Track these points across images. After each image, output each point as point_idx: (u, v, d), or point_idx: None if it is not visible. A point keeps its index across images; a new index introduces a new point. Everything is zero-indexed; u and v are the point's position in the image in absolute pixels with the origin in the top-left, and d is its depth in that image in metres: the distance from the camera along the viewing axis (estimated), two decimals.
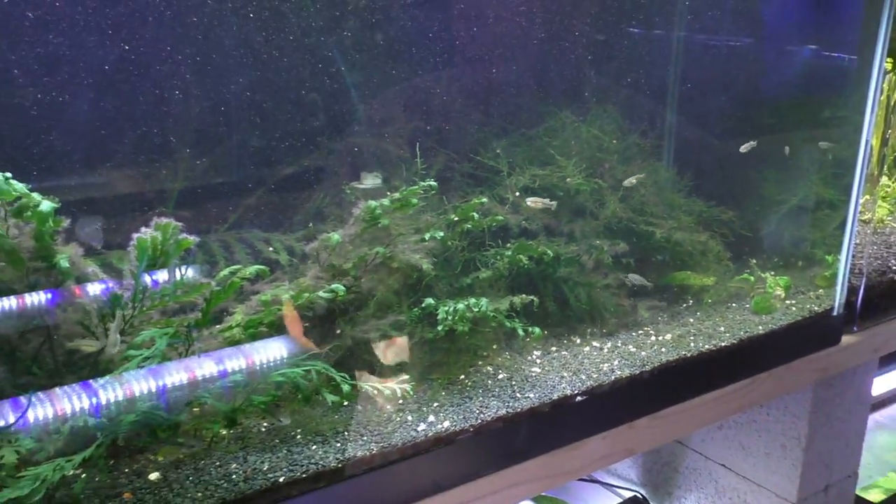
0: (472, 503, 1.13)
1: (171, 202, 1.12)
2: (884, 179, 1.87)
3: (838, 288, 1.55)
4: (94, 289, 0.91)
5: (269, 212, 1.22)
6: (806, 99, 1.83)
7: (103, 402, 0.90)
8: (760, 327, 1.45)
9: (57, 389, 0.90)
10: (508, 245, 1.27)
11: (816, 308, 1.54)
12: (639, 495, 2.06)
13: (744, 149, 1.31)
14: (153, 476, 0.97)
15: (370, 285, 1.16)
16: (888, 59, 1.52)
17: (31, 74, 0.98)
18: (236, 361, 0.98)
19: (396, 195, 1.06)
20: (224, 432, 1.04)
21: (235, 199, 1.19)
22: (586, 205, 1.38)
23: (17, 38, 0.96)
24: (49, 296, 0.93)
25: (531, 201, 1.20)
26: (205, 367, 0.96)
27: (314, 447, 1.04)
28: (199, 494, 0.94)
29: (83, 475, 0.93)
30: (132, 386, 0.89)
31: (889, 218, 1.92)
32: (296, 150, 1.26)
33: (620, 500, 2.06)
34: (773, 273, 1.55)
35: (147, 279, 0.94)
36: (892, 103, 1.81)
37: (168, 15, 1.06)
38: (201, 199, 1.13)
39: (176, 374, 0.93)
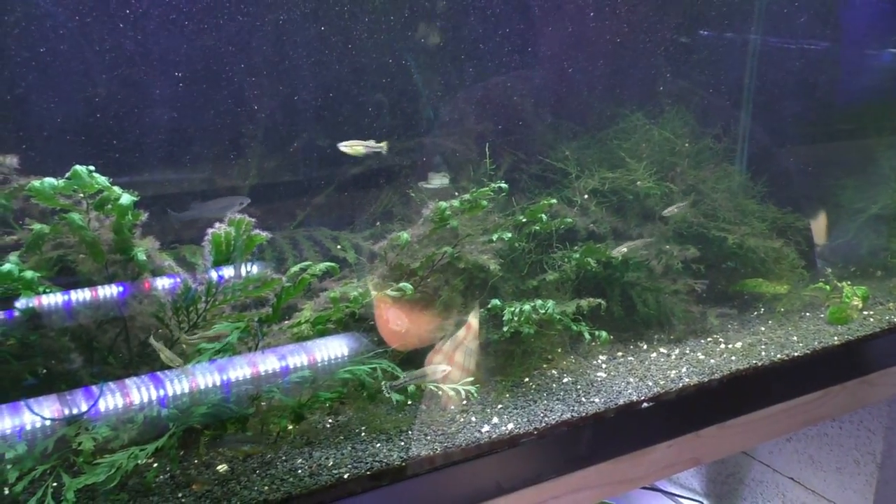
0: None
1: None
2: None
3: None
4: (169, 282, 0.93)
5: (338, 210, 1.23)
6: (886, 103, 1.77)
7: (175, 393, 0.91)
8: (836, 338, 1.41)
9: (130, 380, 0.93)
10: (576, 248, 1.26)
11: (895, 319, 1.49)
12: None
13: (667, 212, 1.27)
14: (221, 468, 0.99)
15: (436, 285, 1.16)
16: None
17: (122, 77, 1.01)
18: (302, 357, 0.99)
19: (466, 196, 1.06)
20: (291, 427, 1.05)
21: (305, 197, 1.20)
22: (656, 209, 1.35)
23: (102, 41, 0.99)
24: (121, 289, 0.95)
25: (346, 145, 1.11)
26: (272, 362, 0.98)
27: (378, 445, 1.05)
28: (266, 488, 0.96)
29: (154, 465, 0.95)
30: (204, 379, 0.91)
31: None
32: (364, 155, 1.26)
33: None
34: (849, 282, 1.50)
35: (214, 274, 0.96)
36: None
37: (246, 21, 1.08)
38: (272, 196, 1.14)
39: (246, 371, 0.95)
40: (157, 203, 1.06)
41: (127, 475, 0.89)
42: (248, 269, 0.98)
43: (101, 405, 0.90)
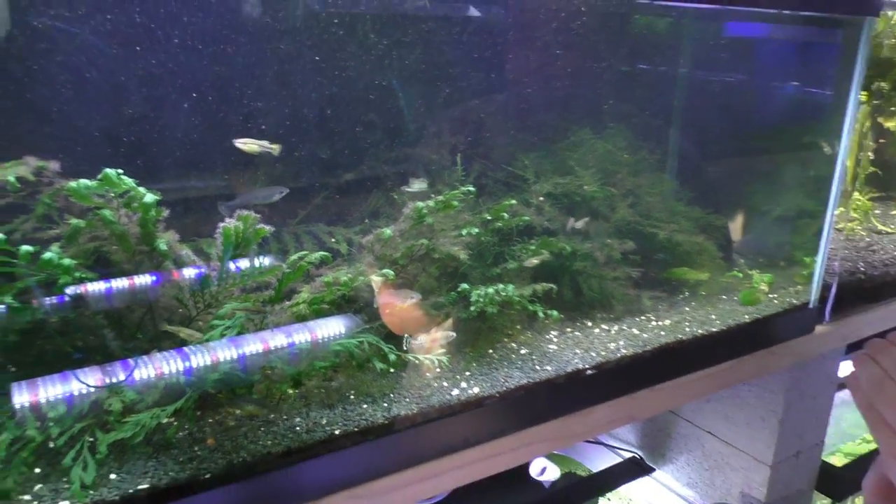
0: (497, 457, 1.10)
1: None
2: (856, 194, 1.79)
3: (814, 285, 1.48)
4: (188, 270, 0.90)
5: (334, 210, 1.19)
6: (788, 126, 1.76)
7: (193, 364, 0.88)
8: (746, 316, 1.39)
9: (157, 354, 0.89)
10: (532, 241, 1.23)
11: (795, 301, 1.48)
12: (637, 456, 2.01)
13: (577, 224, 1.24)
14: (231, 424, 0.96)
15: (415, 272, 1.13)
16: (862, 93, 1.44)
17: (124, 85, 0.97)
18: (303, 335, 0.97)
19: (440, 198, 1.03)
20: (290, 392, 1.02)
21: (306, 198, 1.16)
22: (600, 209, 1.33)
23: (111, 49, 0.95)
24: (153, 278, 0.92)
25: (241, 142, 1.02)
26: (276, 337, 0.95)
27: (365, 406, 1.02)
28: (269, 442, 0.93)
29: (174, 423, 0.92)
30: (216, 351, 0.88)
31: (859, 228, 1.84)
32: (356, 159, 1.23)
33: (621, 460, 2.01)
34: (758, 271, 1.49)
35: (231, 266, 0.93)
36: (864, 130, 1.73)
37: (247, 38, 1.04)
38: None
39: (253, 344, 0.92)
40: (180, 205, 1.02)
41: (151, 432, 0.86)
42: (259, 260, 0.95)
43: (136, 375, 0.87)
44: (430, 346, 1.06)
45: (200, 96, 1.05)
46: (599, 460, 2.03)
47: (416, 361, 1.03)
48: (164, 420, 0.85)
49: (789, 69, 1.77)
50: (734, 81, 1.73)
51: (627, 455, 2.00)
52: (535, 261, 1.19)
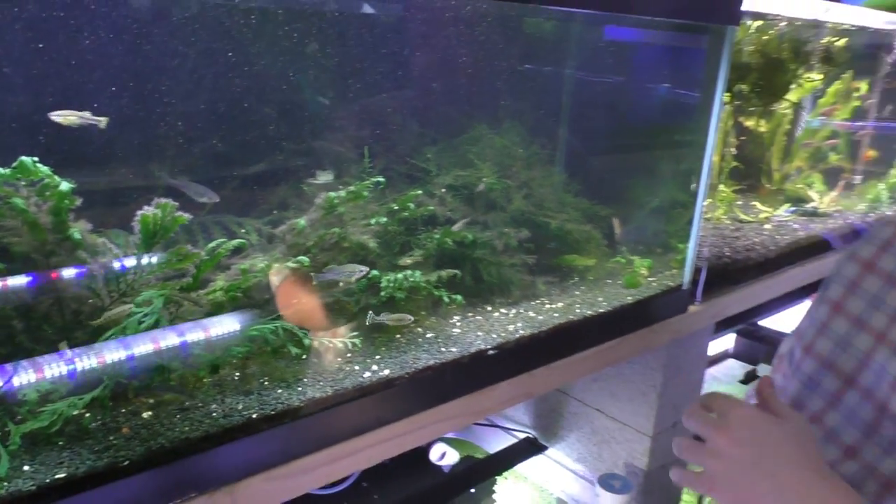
0: (408, 435, 1.16)
1: (159, 192, 1.10)
2: (721, 187, 1.97)
3: (687, 269, 1.63)
4: (102, 258, 0.90)
5: (242, 202, 1.21)
6: (663, 125, 1.92)
7: (110, 354, 0.89)
8: (629, 298, 1.52)
9: (67, 351, 0.89)
10: (436, 231, 1.30)
11: (671, 284, 1.62)
12: (531, 436, 2.12)
13: (456, 227, 1.32)
14: (146, 415, 0.96)
15: (326, 260, 1.17)
16: (726, 94, 1.61)
17: None
18: (218, 322, 0.99)
19: (351, 188, 1.08)
20: (206, 380, 1.04)
21: (214, 190, 1.17)
22: (497, 200, 1.42)
23: None
24: (61, 269, 0.91)
25: (59, 114, 0.91)
26: (190, 328, 0.96)
27: (280, 391, 1.05)
28: (187, 428, 0.94)
29: (87, 415, 0.92)
30: (135, 343, 0.89)
31: (724, 217, 2.04)
32: (263, 153, 1.26)
33: (516, 441, 2.12)
34: (639, 257, 1.62)
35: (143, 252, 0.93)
36: (727, 129, 1.92)
37: (153, 30, 1.05)
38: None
39: (170, 337, 0.93)
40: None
41: (66, 422, 0.86)
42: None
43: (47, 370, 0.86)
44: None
45: (104, 88, 1.04)
46: (496, 442, 2.13)
47: (330, 345, 1.07)
48: (80, 410, 0.85)
49: (663, 72, 1.94)
50: (614, 82, 1.88)
51: (522, 436, 2.12)
52: (408, 260, 1.25)
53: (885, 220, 1.06)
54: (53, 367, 0.85)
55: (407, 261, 1.19)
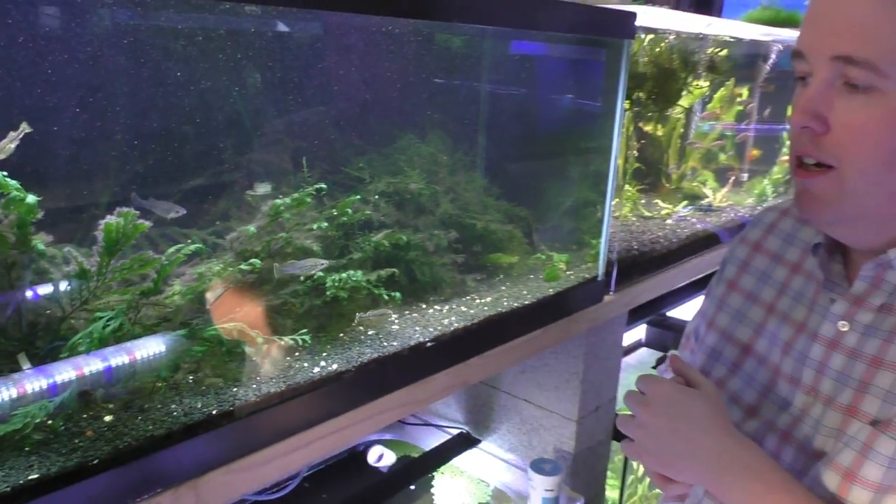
0: (357, 425, 1.23)
1: (102, 208, 1.14)
2: (626, 187, 2.15)
3: (600, 262, 1.78)
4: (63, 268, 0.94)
5: (187, 214, 1.26)
6: (573, 132, 2.07)
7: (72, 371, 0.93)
8: (550, 290, 1.65)
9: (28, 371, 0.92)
10: (372, 234, 1.39)
11: (587, 276, 1.76)
12: (464, 431, 2.23)
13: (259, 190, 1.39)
14: (108, 418, 1.01)
15: (271, 265, 1.24)
16: (626, 102, 1.77)
17: None
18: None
19: (295, 195, 1.16)
20: (160, 385, 1.08)
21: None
22: (426, 204, 1.52)
23: None
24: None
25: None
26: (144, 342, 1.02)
27: (235, 389, 1.11)
28: (150, 427, 0.99)
29: (50, 421, 0.95)
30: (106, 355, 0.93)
31: (630, 214, 2.22)
32: (203, 168, 1.31)
33: (450, 436, 2.22)
34: (557, 253, 1.76)
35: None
36: (629, 133, 2.09)
37: (86, 47, 1.10)
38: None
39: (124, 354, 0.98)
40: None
41: (34, 428, 0.90)
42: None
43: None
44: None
45: (45, 105, 1.08)
46: (431, 440, 2.22)
47: (281, 343, 1.14)
48: (49, 412, 0.89)
49: (570, 83, 2.10)
50: (526, 93, 2.02)
51: (455, 432, 2.22)
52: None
53: (769, 207, 1.23)
54: (27, 383, 0.89)
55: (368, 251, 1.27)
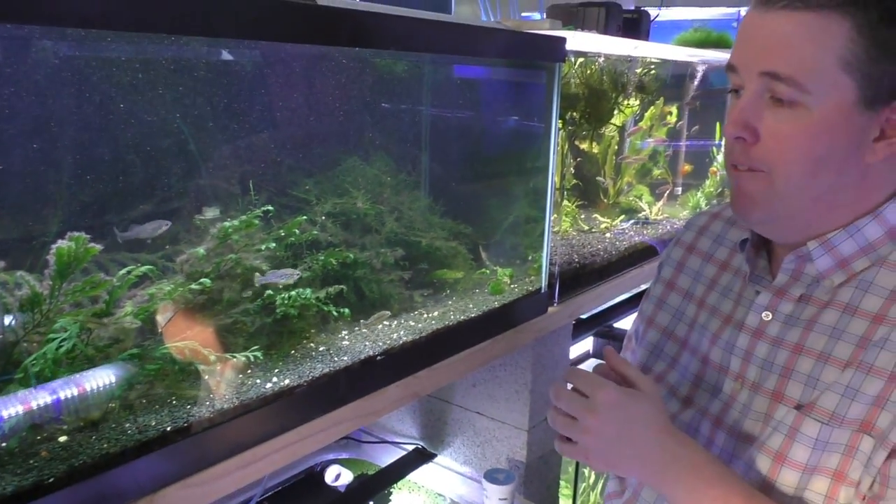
0: (310, 437, 1.27)
1: (50, 236, 1.16)
2: (565, 203, 2.24)
3: (543, 275, 1.86)
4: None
5: (137, 239, 1.28)
6: (513, 151, 2.16)
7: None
8: (496, 303, 1.71)
9: None
10: (320, 254, 1.43)
11: (531, 289, 1.84)
12: (419, 446, 2.26)
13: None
14: (62, 439, 1.03)
15: (220, 287, 1.27)
16: (560, 121, 1.87)
17: None
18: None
19: (244, 217, 1.20)
20: (113, 405, 1.11)
21: (108, 229, 1.25)
22: (372, 223, 1.58)
23: None
24: None
25: None
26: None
27: (189, 406, 1.14)
28: (105, 445, 1.02)
29: (3, 444, 0.97)
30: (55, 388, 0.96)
31: (570, 229, 2.31)
32: (151, 194, 1.34)
33: (406, 452, 2.25)
34: (500, 267, 1.83)
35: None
36: (564, 151, 2.19)
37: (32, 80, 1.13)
38: (82, 230, 1.18)
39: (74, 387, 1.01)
40: None
41: None
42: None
43: None
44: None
45: None
46: (387, 457, 2.25)
47: (233, 360, 1.17)
48: (6, 430, 0.91)
49: (509, 104, 2.19)
50: (467, 115, 2.10)
51: (411, 447, 2.25)
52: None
53: (701, 212, 1.33)
54: None
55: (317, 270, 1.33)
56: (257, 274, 1.23)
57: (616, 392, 0.98)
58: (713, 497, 0.95)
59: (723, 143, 2.91)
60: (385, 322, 1.53)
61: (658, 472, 0.98)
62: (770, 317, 1.06)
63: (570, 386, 1.03)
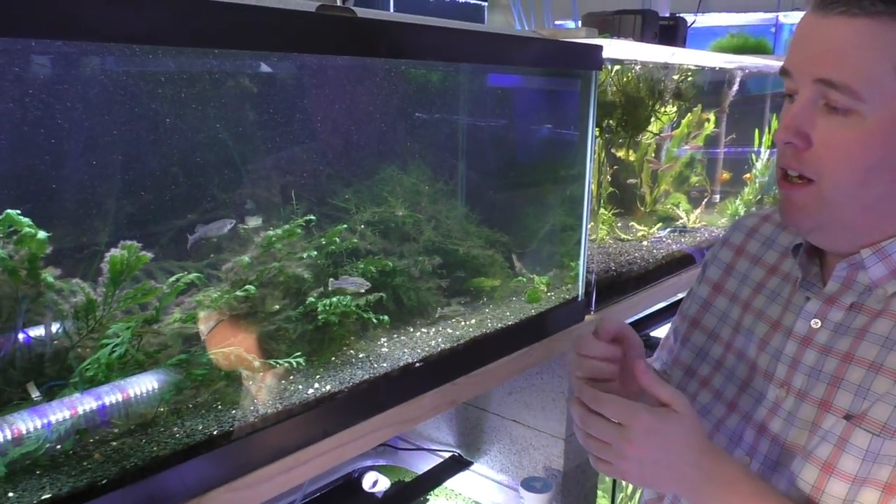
0: (350, 443, 1.29)
1: (102, 245, 1.20)
2: (601, 211, 2.23)
3: (580, 283, 1.86)
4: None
5: (181, 248, 1.32)
6: (549, 159, 2.17)
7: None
8: (533, 311, 1.72)
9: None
10: (360, 261, 1.46)
11: (567, 297, 1.84)
12: (456, 454, 2.27)
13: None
14: (114, 442, 1.06)
15: (263, 296, 1.30)
16: (596, 129, 1.87)
17: None
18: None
19: (287, 226, 1.23)
20: (162, 409, 1.14)
21: (157, 239, 1.29)
22: (410, 232, 1.59)
23: None
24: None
25: None
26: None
27: (234, 411, 1.17)
28: (155, 448, 1.05)
29: (59, 446, 1.01)
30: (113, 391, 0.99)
31: (607, 237, 2.30)
32: (196, 204, 1.38)
33: (442, 459, 2.26)
34: (537, 275, 1.83)
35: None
36: (601, 159, 2.19)
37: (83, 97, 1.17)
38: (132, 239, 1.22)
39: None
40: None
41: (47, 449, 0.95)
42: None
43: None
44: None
45: (46, 152, 1.15)
46: (424, 464, 2.26)
47: (277, 367, 1.20)
48: (62, 433, 0.94)
49: (545, 113, 2.19)
50: (503, 124, 2.12)
51: (447, 455, 2.26)
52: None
53: (750, 213, 1.32)
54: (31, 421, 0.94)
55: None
56: (331, 279, 1.29)
57: (651, 418, 0.96)
58: None
59: (760, 150, 2.88)
60: (423, 329, 1.55)
61: (695, 489, 0.98)
62: (819, 324, 1.05)
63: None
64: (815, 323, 1.05)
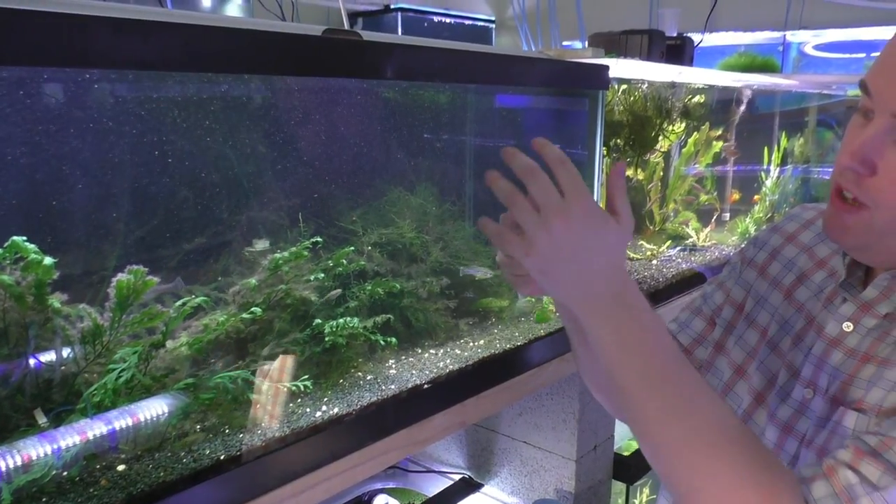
0: (360, 466, 1.28)
1: (109, 270, 1.21)
2: None
3: None
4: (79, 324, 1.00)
5: (188, 272, 1.33)
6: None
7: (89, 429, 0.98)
8: (542, 331, 1.71)
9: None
10: (367, 283, 1.45)
11: None
12: (466, 476, 2.25)
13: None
14: (121, 468, 1.05)
15: (270, 318, 1.30)
16: (604, 148, 1.86)
17: None
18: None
19: (293, 249, 1.23)
20: (171, 433, 1.13)
21: (164, 263, 1.29)
22: (417, 253, 1.59)
23: None
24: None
25: None
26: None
27: (241, 435, 1.16)
28: (162, 473, 1.04)
29: (65, 473, 1.00)
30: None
31: None
32: (204, 228, 1.39)
33: (453, 482, 2.24)
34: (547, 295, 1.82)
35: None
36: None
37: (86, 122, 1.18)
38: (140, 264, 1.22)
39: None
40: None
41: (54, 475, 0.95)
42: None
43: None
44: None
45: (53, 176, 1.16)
46: (434, 487, 2.24)
47: (284, 389, 1.19)
48: (68, 460, 0.94)
49: (552, 132, 2.19)
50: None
51: (458, 477, 2.24)
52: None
53: (806, 205, 1.29)
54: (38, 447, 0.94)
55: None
56: (462, 266, 1.28)
57: (595, 205, 0.86)
58: (641, 341, 0.86)
59: (770, 167, 2.86)
60: (432, 350, 1.54)
61: (594, 306, 0.87)
62: (851, 328, 1.03)
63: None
64: (847, 326, 1.03)
